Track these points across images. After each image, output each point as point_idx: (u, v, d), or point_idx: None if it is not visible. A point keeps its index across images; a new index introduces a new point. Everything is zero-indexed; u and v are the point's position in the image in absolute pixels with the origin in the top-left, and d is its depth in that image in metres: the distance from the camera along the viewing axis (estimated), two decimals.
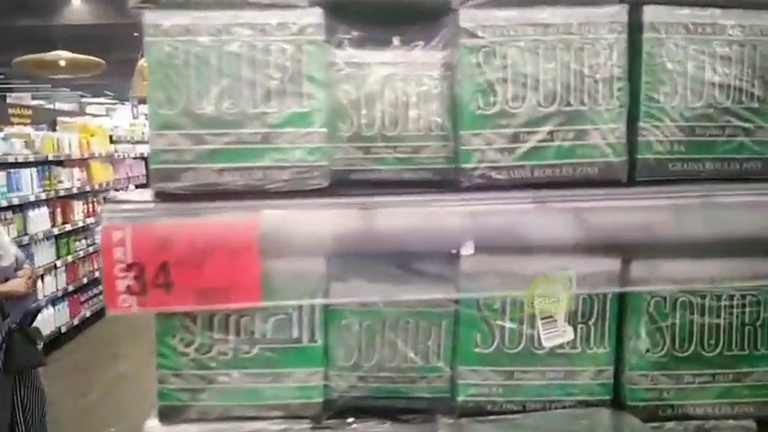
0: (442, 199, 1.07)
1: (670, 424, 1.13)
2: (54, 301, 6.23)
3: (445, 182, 1.13)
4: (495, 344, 1.11)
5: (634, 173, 1.10)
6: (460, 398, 1.12)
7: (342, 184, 1.11)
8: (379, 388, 1.14)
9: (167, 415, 1.11)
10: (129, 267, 0.99)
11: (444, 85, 1.12)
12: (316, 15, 1.06)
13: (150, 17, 1.03)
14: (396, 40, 1.12)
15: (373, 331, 1.12)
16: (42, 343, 3.66)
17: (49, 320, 6.04)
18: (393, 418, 1.13)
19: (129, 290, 1.00)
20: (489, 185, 1.08)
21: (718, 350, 1.12)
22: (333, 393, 1.13)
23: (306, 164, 1.06)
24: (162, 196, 1.04)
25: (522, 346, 1.11)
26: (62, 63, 7.34)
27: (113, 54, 7.72)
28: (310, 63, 1.05)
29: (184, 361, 1.09)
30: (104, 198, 6.87)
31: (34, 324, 3.60)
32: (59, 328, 6.23)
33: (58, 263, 6.32)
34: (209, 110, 1.04)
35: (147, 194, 1.07)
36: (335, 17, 1.08)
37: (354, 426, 1.13)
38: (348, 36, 1.10)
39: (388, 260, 1.06)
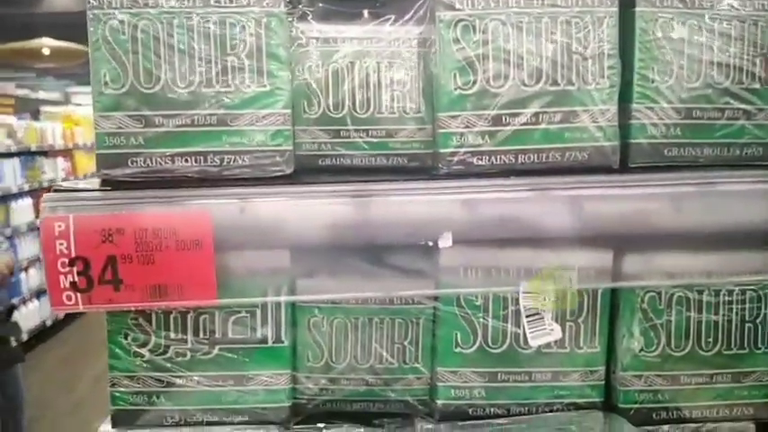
0: (418, 187, 1.00)
1: (665, 427, 1.07)
2: (38, 294, 6.15)
3: (422, 168, 1.06)
4: (478, 343, 1.04)
5: (627, 158, 1.03)
6: (440, 401, 1.06)
7: (308, 171, 1.04)
8: (353, 391, 1.07)
9: (121, 420, 1.04)
10: (73, 262, 0.91)
11: (420, 62, 1.05)
12: None
13: None
14: (366, 14, 1.04)
15: (345, 330, 1.05)
16: (17, 340, 3.59)
17: (33, 314, 5.99)
18: (367, 423, 1.07)
19: (73, 286, 0.92)
20: (469, 172, 1.00)
21: (716, 349, 1.06)
22: (302, 397, 1.07)
23: (267, 148, 0.98)
24: (108, 184, 0.97)
25: (506, 345, 1.04)
26: (46, 51, 7.23)
27: None
28: (270, 38, 0.97)
29: (138, 362, 1.02)
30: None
31: (12, 319, 3.55)
32: (44, 322, 6.16)
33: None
34: (160, 89, 0.96)
35: (93, 183, 0.99)
36: None
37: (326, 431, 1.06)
38: (312, 8, 1.03)
39: (361, 253, 0.98)
